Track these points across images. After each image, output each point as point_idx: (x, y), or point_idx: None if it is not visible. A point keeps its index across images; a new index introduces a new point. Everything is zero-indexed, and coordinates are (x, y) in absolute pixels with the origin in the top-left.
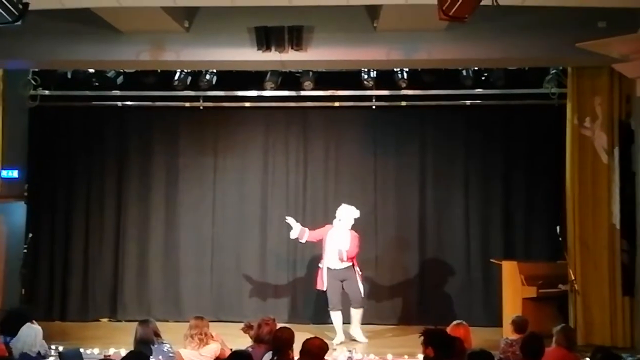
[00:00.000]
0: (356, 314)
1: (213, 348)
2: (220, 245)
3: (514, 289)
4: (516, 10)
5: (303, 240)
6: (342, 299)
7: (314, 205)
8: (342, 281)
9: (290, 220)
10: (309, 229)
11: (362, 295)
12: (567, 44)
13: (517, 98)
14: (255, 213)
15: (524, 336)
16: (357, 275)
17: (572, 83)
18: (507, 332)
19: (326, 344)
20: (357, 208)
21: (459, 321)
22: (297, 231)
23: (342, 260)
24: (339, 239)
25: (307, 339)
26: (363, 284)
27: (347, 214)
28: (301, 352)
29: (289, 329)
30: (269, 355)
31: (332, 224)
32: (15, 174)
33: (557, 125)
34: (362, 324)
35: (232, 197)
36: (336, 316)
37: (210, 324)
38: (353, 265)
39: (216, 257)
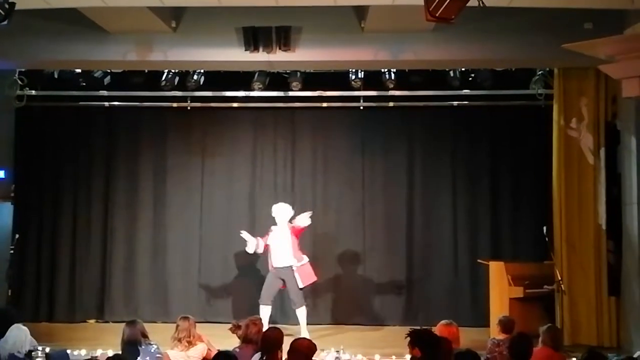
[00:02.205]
0: (299, 314)
1: (200, 349)
2: (208, 245)
3: (501, 289)
4: (503, 12)
5: (260, 251)
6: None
7: (302, 206)
8: (283, 280)
9: (244, 234)
10: (260, 238)
11: (301, 288)
12: (554, 45)
13: (504, 99)
14: (243, 213)
15: (511, 336)
16: (297, 273)
17: (558, 84)
18: (494, 332)
19: (314, 344)
20: (345, 208)
21: (446, 321)
22: (253, 244)
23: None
24: (281, 238)
25: (295, 339)
26: (303, 281)
27: (279, 212)
28: (289, 353)
29: (277, 329)
30: (257, 355)
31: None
32: (1, 174)
33: (543, 126)
34: (352, 324)
35: (220, 197)
36: (263, 310)
37: (198, 324)
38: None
39: (204, 258)
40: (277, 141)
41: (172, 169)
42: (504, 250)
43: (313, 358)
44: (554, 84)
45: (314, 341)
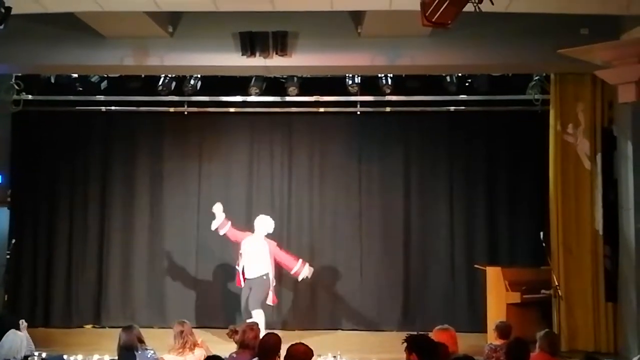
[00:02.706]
0: (255, 316)
1: (198, 355)
2: (204, 250)
3: (498, 294)
4: (499, 17)
5: (221, 233)
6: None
7: (299, 210)
8: (250, 288)
9: (216, 208)
10: (232, 226)
11: (262, 300)
12: (550, 51)
13: (500, 104)
14: (240, 218)
15: (508, 342)
16: (266, 283)
17: (554, 89)
18: (491, 338)
19: (311, 350)
20: (342, 214)
21: (443, 326)
22: (219, 222)
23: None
24: (255, 248)
25: (292, 345)
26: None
27: (262, 224)
28: (285, 358)
29: (275, 334)
30: None
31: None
32: None
33: (540, 132)
34: (350, 329)
35: (216, 201)
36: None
37: (195, 330)
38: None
39: (200, 263)
40: (273, 146)
41: (169, 173)
42: (500, 255)
43: None
44: (550, 89)
45: (310, 346)
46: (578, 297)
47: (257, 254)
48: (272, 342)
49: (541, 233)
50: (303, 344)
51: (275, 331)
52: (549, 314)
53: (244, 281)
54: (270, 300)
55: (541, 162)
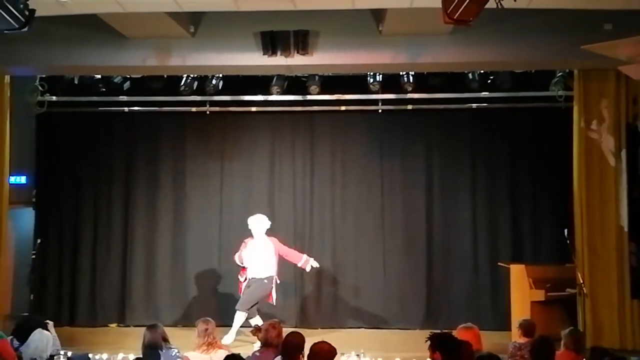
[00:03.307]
0: (238, 315)
1: (221, 355)
2: (227, 249)
3: (522, 292)
4: (522, 13)
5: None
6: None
7: (321, 209)
8: (248, 287)
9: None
10: (237, 255)
11: (251, 302)
12: (573, 47)
13: (523, 101)
14: None
15: (533, 340)
16: (265, 287)
17: (578, 86)
18: (515, 336)
19: (334, 348)
20: (364, 212)
21: (467, 324)
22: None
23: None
24: (259, 250)
25: (315, 343)
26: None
27: (257, 224)
28: (309, 357)
29: (299, 333)
30: (278, 359)
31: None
32: (23, 179)
33: (563, 128)
34: (372, 327)
35: (239, 201)
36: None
37: (219, 329)
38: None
39: (223, 262)
40: (295, 145)
41: (191, 173)
42: (524, 252)
43: None
44: (574, 85)
45: (333, 344)
46: (603, 295)
47: (262, 255)
48: (296, 341)
49: (565, 230)
50: (327, 342)
51: (298, 329)
52: (574, 312)
53: (247, 281)
54: (270, 299)
55: (565, 159)
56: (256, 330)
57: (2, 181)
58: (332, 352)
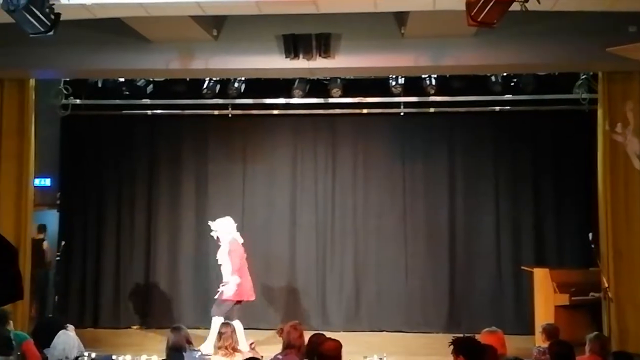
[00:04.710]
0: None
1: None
2: (249, 252)
3: (546, 296)
4: (545, 16)
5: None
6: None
7: (343, 212)
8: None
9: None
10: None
11: (217, 303)
12: (598, 49)
13: (546, 104)
14: (284, 219)
15: (550, 344)
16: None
17: (602, 88)
18: (539, 340)
19: (340, 344)
20: (386, 215)
21: (491, 328)
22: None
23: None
24: (222, 252)
25: (321, 342)
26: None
27: (218, 227)
28: (318, 357)
29: (336, 340)
30: None
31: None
32: (47, 182)
33: (587, 131)
34: (395, 331)
35: (261, 204)
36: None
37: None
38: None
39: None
40: (317, 148)
41: (214, 176)
42: (548, 256)
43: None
44: (598, 88)
45: (355, 348)
46: (629, 299)
47: (223, 259)
48: (334, 347)
49: (590, 234)
50: (333, 340)
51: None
52: (599, 316)
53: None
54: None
55: (589, 162)
56: (281, 331)
57: (27, 184)
58: (339, 347)
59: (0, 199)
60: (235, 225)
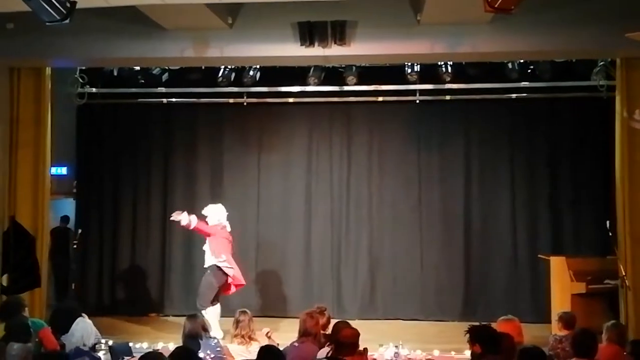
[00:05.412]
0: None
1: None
2: (264, 240)
3: (562, 284)
4: (563, 2)
5: (192, 227)
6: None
7: (358, 200)
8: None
9: (175, 216)
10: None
11: (200, 297)
12: (616, 35)
13: (564, 91)
14: (299, 208)
15: (574, 332)
16: (210, 274)
17: (621, 75)
18: (556, 329)
19: (358, 332)
20: (401, 203)
21: (507, 316)
22: (186, 219)
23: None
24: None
25: (339, 330)
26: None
27: (208, 212)
28: (335, 345)
29: (354, 329)
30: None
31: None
32: (64, 170)
33: (605, 118)
34: (410, 319)
35: (276, 192)
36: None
37: (256, 319)
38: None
39: (261, 253)
40: (332, 136)
41: (229, 164)
42: (565, 245)
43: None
44: (616, 74)
45: (371, 336)
46: None
47: (206, 245)
48: (351, 335)
49: (607, 222)
50: (350, 328)
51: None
52: (616, 305)
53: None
54: (228, 290)
55: (606, 150)
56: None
57: (43, 172)
58: (356, 335)
59: (18, 188)
60: (226, 213)
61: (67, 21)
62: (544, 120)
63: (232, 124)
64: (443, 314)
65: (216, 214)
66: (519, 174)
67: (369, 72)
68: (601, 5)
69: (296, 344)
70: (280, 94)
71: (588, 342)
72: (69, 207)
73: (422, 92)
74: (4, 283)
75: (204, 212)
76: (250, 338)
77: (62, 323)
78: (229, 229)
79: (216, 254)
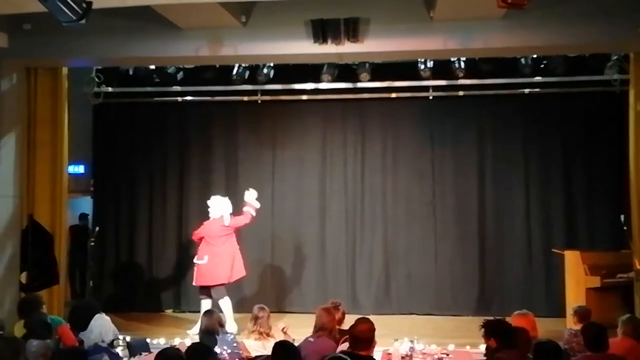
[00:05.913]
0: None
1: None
2: (279, 237)
3: (577, 279)
4: None
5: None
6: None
7: (372, 196)
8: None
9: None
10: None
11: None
12: (629, 29)
13: (577, 85)
14: (314, 204)
15: (583, 326)
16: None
17: (634, 69)
18: (570, 323)
19: (373, 326)
20: (415, 199)
21: (522, 311)
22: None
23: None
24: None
25: (355, 324)
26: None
27: (212, 204)
28: (351, 338)
29: (370, 323)
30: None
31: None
32: (81, 169)
33: (618, 113)
34: (425, 314)
35: (290, 189)
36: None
37: (273, 314)
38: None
39: (276, 249)
40: (346, 133)
41: (244, 161)
42: (579, 239)
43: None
44: (629, 69)
45: (386, 331)
46: None
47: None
48: (367, 329)
49: (621, 216)
50: (366, 322)
51: (350, 316)
52: (631, 299)
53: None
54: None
55: (619, 144)
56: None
57: (61, 171)
58: (372, 329)
59: (36, 186)
60: (230, 207)
61: (83, 21)
62: (557, 115)
63: (246, 121)
64: (458, 309)
65: (219, 207)
66: (532, 169)
67: (382, 69)
68: (614, 0)
69: (311, 339)
70: (294, 91)
71: (597, 335)
72: (86, 205)
73: (435, 88)
74: (23, 280)
75: (209, 202)
76: (268, 335)
77: (80, 320)
78: (227, 222)
79: (202, 251)
